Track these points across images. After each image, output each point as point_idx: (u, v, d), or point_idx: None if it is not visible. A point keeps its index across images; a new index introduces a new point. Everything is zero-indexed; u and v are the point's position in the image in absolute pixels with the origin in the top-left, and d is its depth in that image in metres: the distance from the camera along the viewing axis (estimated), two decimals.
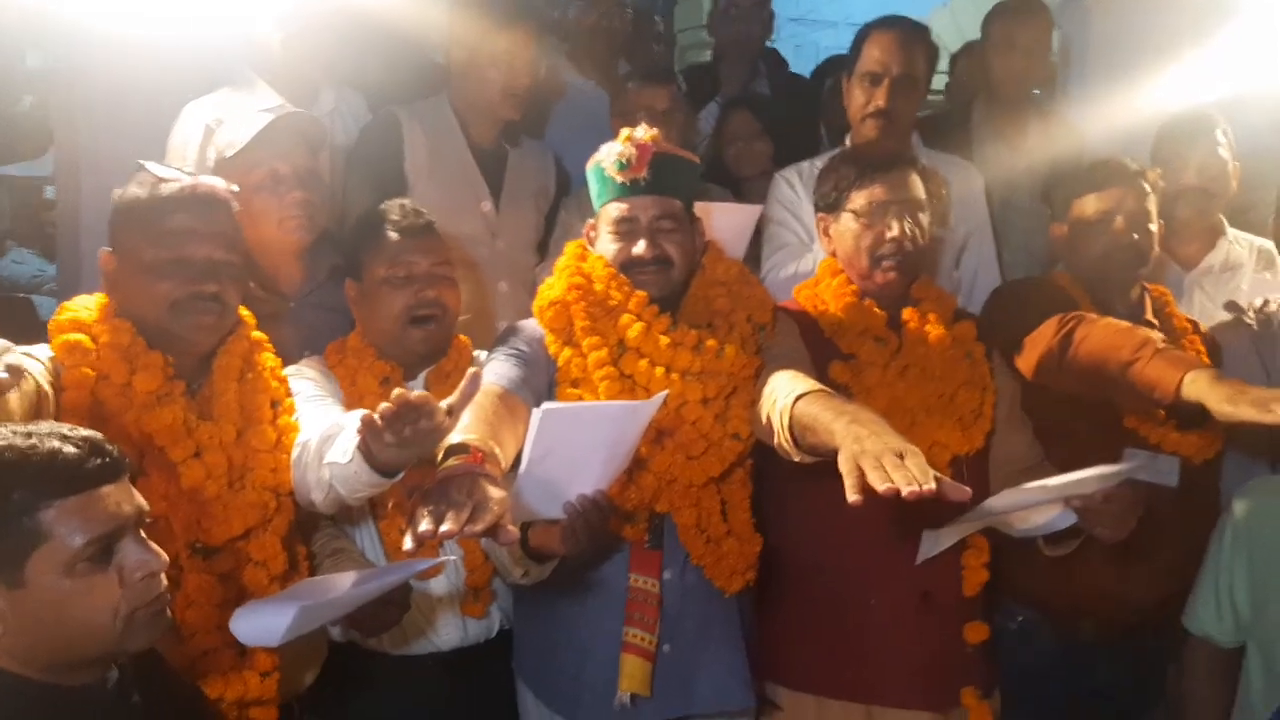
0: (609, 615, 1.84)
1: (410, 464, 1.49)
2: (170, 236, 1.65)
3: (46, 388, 1.52)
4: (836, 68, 3.14)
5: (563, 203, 2.78)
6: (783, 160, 2.85)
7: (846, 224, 2.03)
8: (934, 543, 1.82)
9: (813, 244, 2.52)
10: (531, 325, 1.94)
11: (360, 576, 1.46)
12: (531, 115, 2.86)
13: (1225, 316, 2.36)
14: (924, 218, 2.03)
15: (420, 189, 2.50)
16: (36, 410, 1.45)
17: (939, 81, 3.31)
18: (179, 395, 1.65)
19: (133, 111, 2.63)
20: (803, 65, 4.44)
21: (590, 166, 1.96)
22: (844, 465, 1.41)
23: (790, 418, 1.65)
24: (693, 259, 1.97)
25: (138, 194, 1.69)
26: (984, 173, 2.77)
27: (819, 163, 2.35)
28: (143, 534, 1.24)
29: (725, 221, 2.20)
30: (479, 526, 1.26)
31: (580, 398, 1.82)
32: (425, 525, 1.24)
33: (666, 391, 1.71)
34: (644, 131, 1.90)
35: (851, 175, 2.03)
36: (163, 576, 1.25)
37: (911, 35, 2.55)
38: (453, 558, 1.88)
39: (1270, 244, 2.62)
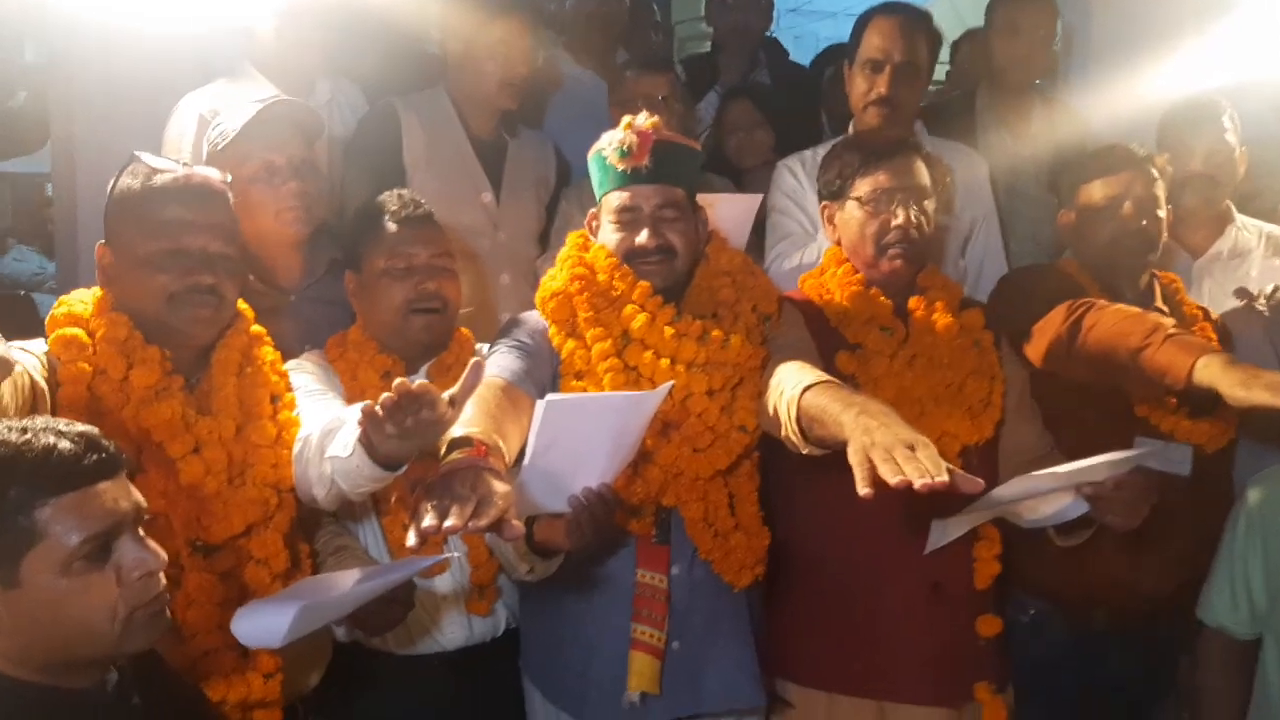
0: (616, 612, 1.82)
1: (412, 457, 1.47)
2: (165, 228, 1.63)
3: (42, 383, 1.49)
4: (837, 56, 3.12)
5: (563, 193, 2.75)
6: (784, 150, 2.82)
7: (851, 212, 2.01)
8: (943, 533, 1.79)
9: (816, 233, 2.50)
10: (534, 317, 1.91)
11: (363, 574, 1.44)
12: (529, 105, 2.84)
13: (1235, 303, 2.34)
14: (929, 205, 2.01)
15: (419, 180, 2.47)
16: (32, 406, 1.42)
17: (940, 71, 3.29)
18: (177, 390, 1.62)
19: (129, 105, 2.61)
20: (802, 56, 4.42)
21: (591, 155, 1.93)
22: (854, 458, 1.39)
23: (798, 409, 1.63)
24: (696, 248, 1.94)
25: (131, 185, 1.66)
26: (989, 161, 2.74)
27: (822, 151, 2.32)
28: (141, 532, 1.22)
29: (726, 211, 2.17)
30: (484, 521, 1.24)
31: (584, 390, 1.80)
32: (429, 520, 1.22)
33: (672, 382, 1.68)
34: (645, 119, 1.87)
35: (855, 162, 2.01)
36: (161, 576, 1.22)
37: (913, 21, 2.52)
38: (456, 554, 1.85)
39: (1279, 230, 2.60)
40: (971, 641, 1.95)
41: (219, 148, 2.05)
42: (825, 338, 1.96)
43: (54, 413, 1.47)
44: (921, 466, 1.32)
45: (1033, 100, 2.97)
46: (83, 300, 1.66)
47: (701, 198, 2.01)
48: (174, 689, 1.36)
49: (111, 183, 1.70)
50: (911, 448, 1.36)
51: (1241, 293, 2.33)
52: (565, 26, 3.30)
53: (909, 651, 1.91)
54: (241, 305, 1.78)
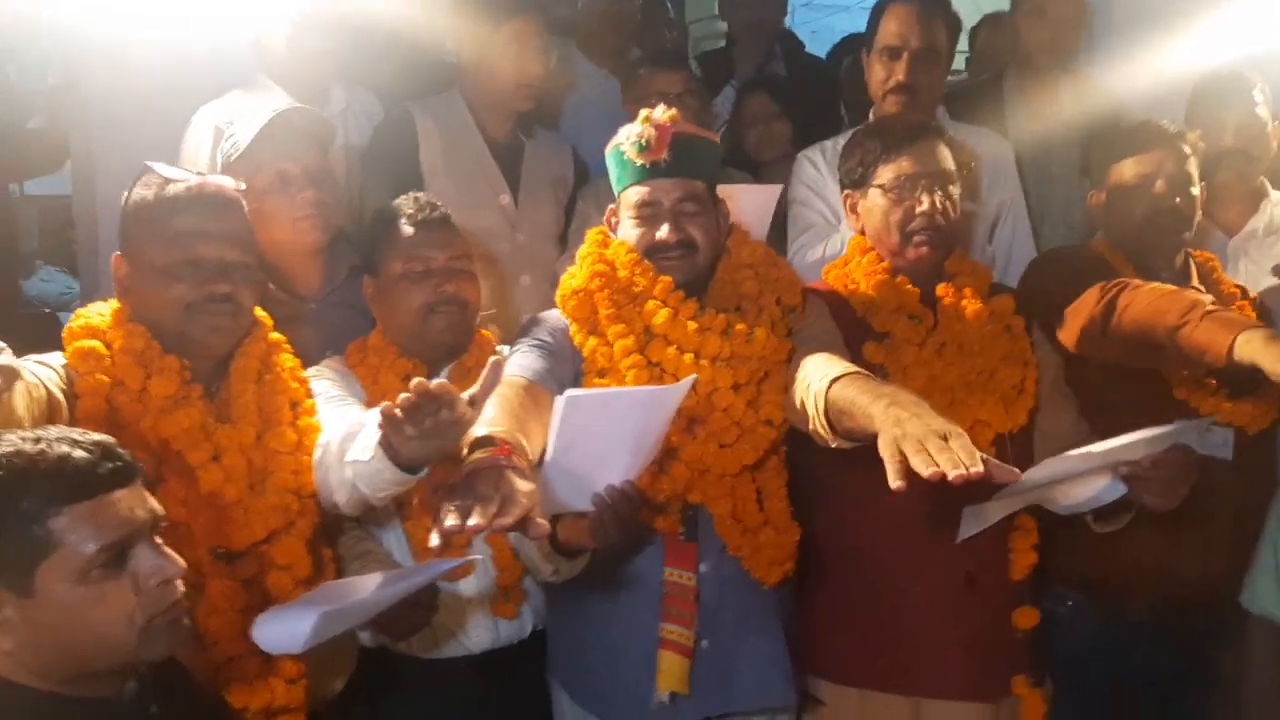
0: (644, 611, 1.79)
1: (434, 459, 1.45)
2: (180, 238, 1.62)
3: (60, 396, 1.49)
4: (854, 47, 3.08)
5: (580, 193, 2.73)
6: (802, 143, 2.79)
7: (874, 200, 1.97)
8: (976, 520, 1.74)
9: (839, 224, 2.46)
10: (555, 316, 1.89)
11: (385, 578, 1.42)
12: (545, 107, 2.83)
13: (1273, 281, 2.27)
14: (954, 190, 1.97)
15: (436, 185, 2.46)
16: (49, 418, 1.42)
17: (959, 60, 3.24)
18: (196, 399, 1.62)
19: (147, 121, 2.61)
20: (818, 51, 4.36)
21: (609, 151, 1.91)
22: (885, 450, 1.36)
23: (825, 402, 1.59)
24: (718, 242, 1.92)
25: (145, 196, 1.66)
26: (1018, 145, 2.69)
27: (842, 141, 2.28)
28: (158, 540, 1.20)
29: (745, 203, 2.14)
30: (508, 520, 1.22)
31: (607, 387, 1.77)
32: (452, 521, 1.20)
33: (695, 376, 1.65)
34: (662, 112, 1.85)
35: (877, 149, 1.97)
36: (179, 583, 1.21)
37: (930, 6, 2.48)
38: (480, 556, 1.83)
39: None
40: (1008, 634, 1.91)
41: (232, 159, 2.06)
42: (851, 328, 1.93)
43: (73, 425, 1.45)
44: (955, 457, 1.29)
45: (1061, 82, 2.91)
46: (100, 312, 1.66)
47: (721, 189, 1.98)
48: (194, 698, 1.35)
49: (126, 194, 1.70)
50: (944, 438, 1.33)
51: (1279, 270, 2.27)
52: (578, 26, 3.28)
53: (943, 645, 1.87)
54: (259, 313, 1.77)
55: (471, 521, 1.20)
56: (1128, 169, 2.09)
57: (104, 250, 2.73)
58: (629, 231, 1.87)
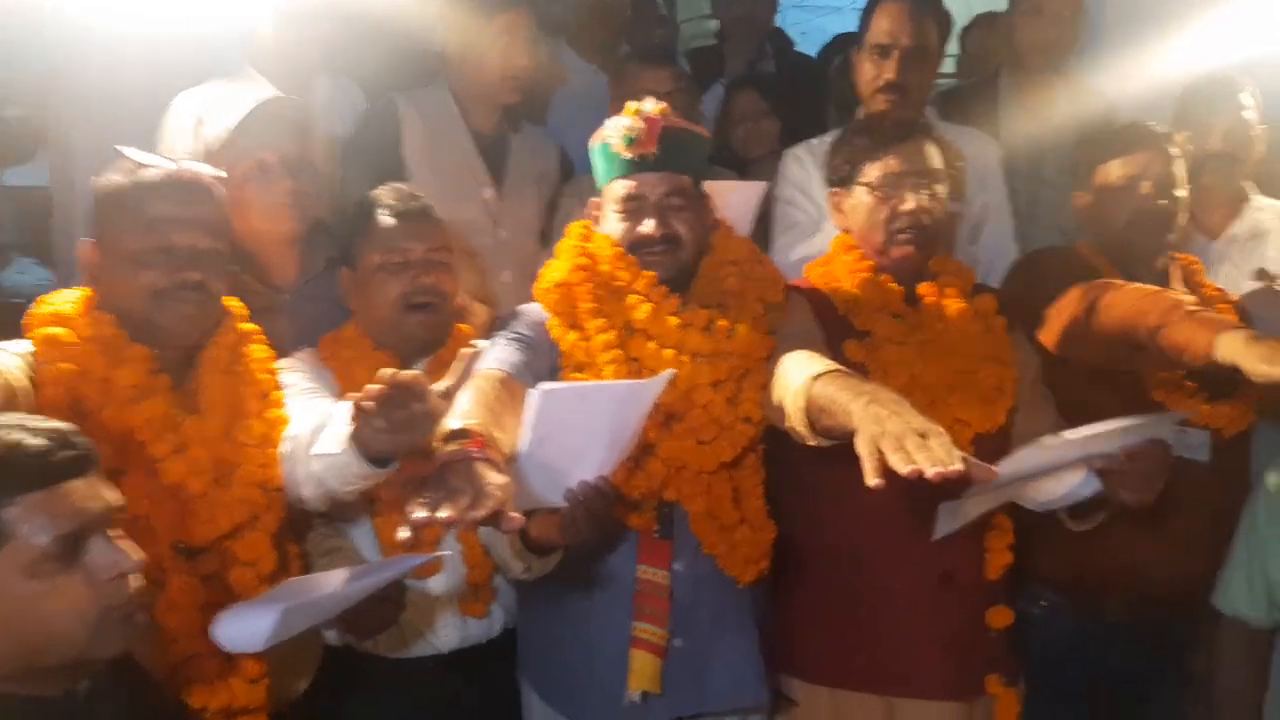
0: (617, 610, 1.77)
1: (404, 452, 1.42)
2: (154, 224, 1.59)
3: (25, 382, 1.46)
4: (844, 46, 3.07)
5: (563, 189, 2.70)
6: (790, 141, 2.77)
7: (860, 198, 1.95)
8: (952, 517, 1.71)
9: (823, 223, 2.44)
10: (534, 309, 1.87)
11: (350, 574, 1.39)
12: (533, 102, 2.80)
13: (1254, 285, 2.28)
14: (941, 189, 1.95)
15: (419, 176, 2.42)
16: (8, 406, 1.38)
17: (949, 64, 3.23)
18: (162, 389, 1.58)
19: (126, 111, 2.57)
20: (808, 51, 4.35)
21: (594, 144, 1.89)
22: (863, 447, 1.34)
23: (805, 399, 1.57)
24: (703, 238, 1.90)
25: (119, 181, 1.63)
26: (1011, 146, 2.68)
27: (829, 140, 2.26)
28: (115, 532, 1.17)
29: (729, 200, 2.12)
30: (480, 513, 1.19)
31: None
32: (421, 513, 1.17)
33: (673, 370, 1.63)
34: (652, 105, 1.83)
35: (864, 147, 1.96)
36: (136, 577, 1.17)
37: (921, 4, 2.46)
38: (449, 552, 1.81)
39: None
40: (983, 633, 1.89)
41: (213, 148, 2.02)
42: (833, 326, 1.91)
43: (36, 414, 1.42)
44: (934, 455, 1.27)
45: (1055, 83, 2.89)
46: (67, 299, 1.63)
47: (706, 186, 1.96)
48: (150, 698, 1.31)
49: (97, 180, 1.67)
50: (924, 436, 1.31)
51: (1261, 274, 2.28)
52: (568, 22, 3.26)
53: (918, 645, 1.86)
54: (232, 302, 1.74)
55: (442, 514, 1.17)
56: (1114, 170, 2.08)
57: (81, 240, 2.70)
58: (613, 225, 1.85)
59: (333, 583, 1.38)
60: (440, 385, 1.32)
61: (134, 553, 1.17)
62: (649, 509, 1.77)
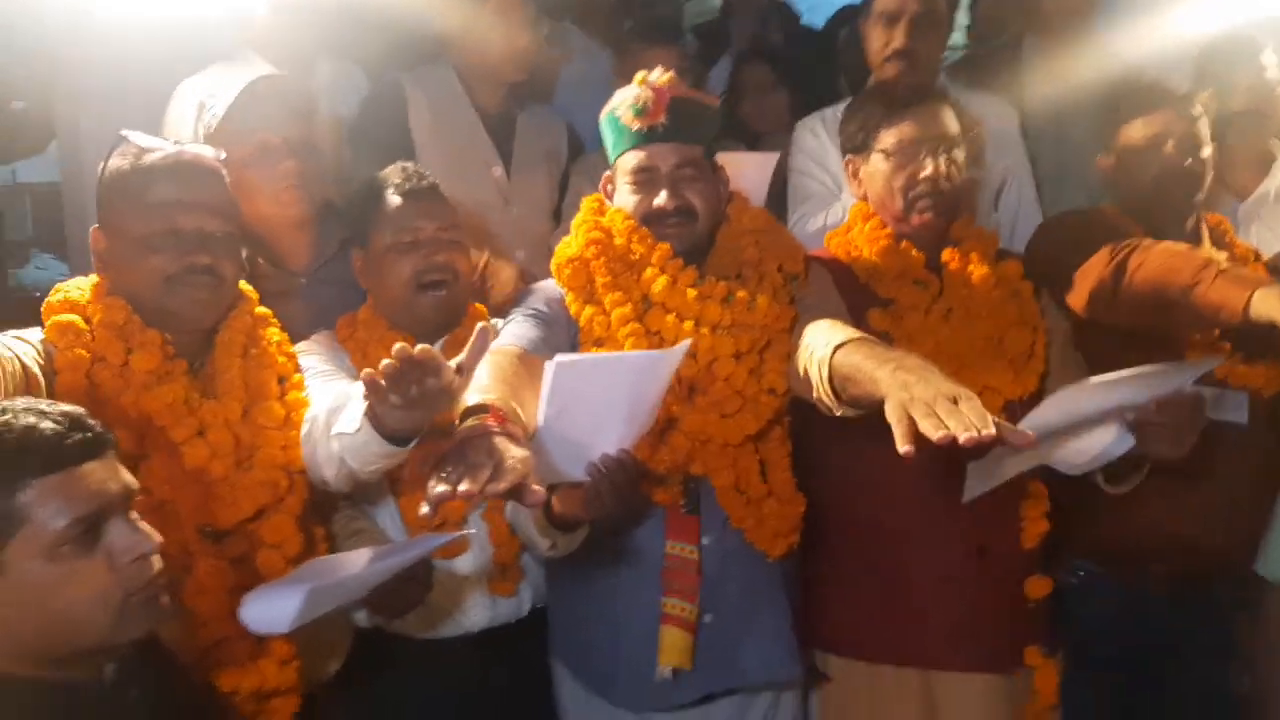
0: (645, 586, 1.75)
1: (422, 429, 1.40)
2: (158, 208, 1.57)
3: (36, 370, 1.44)
4: (852, 16, 3.02)
5: (572, 167, 2.68)
6: (800, 114, 2.73)
7: (876, 165, 1.92)
8: (982, 479, 1.67)
9: (840, 193, 2.41)
10: (550, 285, 1.85)
11: (375, 554, 1.37)
12: (539, 80, 2.77)
13: None
14: (959, 154, 1.92)
15: (427, 156, 2.40)
16: (24, 393, 1.36)
17: (957, 38, 3.16)
18: (179, 374, 1.57)
19: (132, 98, 2.55)
20: (816, 24, 4.30)
21: (604, 116, 1.86)
22: (892, 414, 1.31)
23: (830, 369, 1.55)
24: (718, 209, 1.87)
25: (121, 166, 1.61)
26: (1036, 111, 2.63)
27: (842, 109, 2.22)
28: (134, 515, 1.15)
29: (740, 172, 2.09)
30: (501, 485, 1.17)
31: None
32: (442, 488, 1.15)
33: (690, 340, 1.60)
34: (660, 74, 1.79)
35: (879, 113, 1.93)
36: (157, 559, 1.15)
37: None
38: (473, 530, 1.79)
39: None
40: (1020, 604, 1.87)
41: (212, 129, 2.00)
42: (855, 296, 1.88)
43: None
44: (965, 419, 1.24)
45: (1081, 45, 2.80)
46: (79, 286, 1.62)
47: (717, 158, 1.92)
48: (178, 680, 1.30)
49: (102, 165, 1.65)
50: (954, 400, 1.28)
51: None
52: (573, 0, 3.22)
53: (954, 617, 1.83)
54: (245, 287, 1.73)
55: (462, 488, 1.14)
56: (1137, 130, 2.03)
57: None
58: (625, 198, 1.82)
59: (358, 563, 1.36)
60: (455, 361, 1.29)
61: (152, 534, 1.16)
62: (675, 484, 1.75)
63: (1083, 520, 1.94)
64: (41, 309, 1.59)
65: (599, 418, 1.45)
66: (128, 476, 1.16)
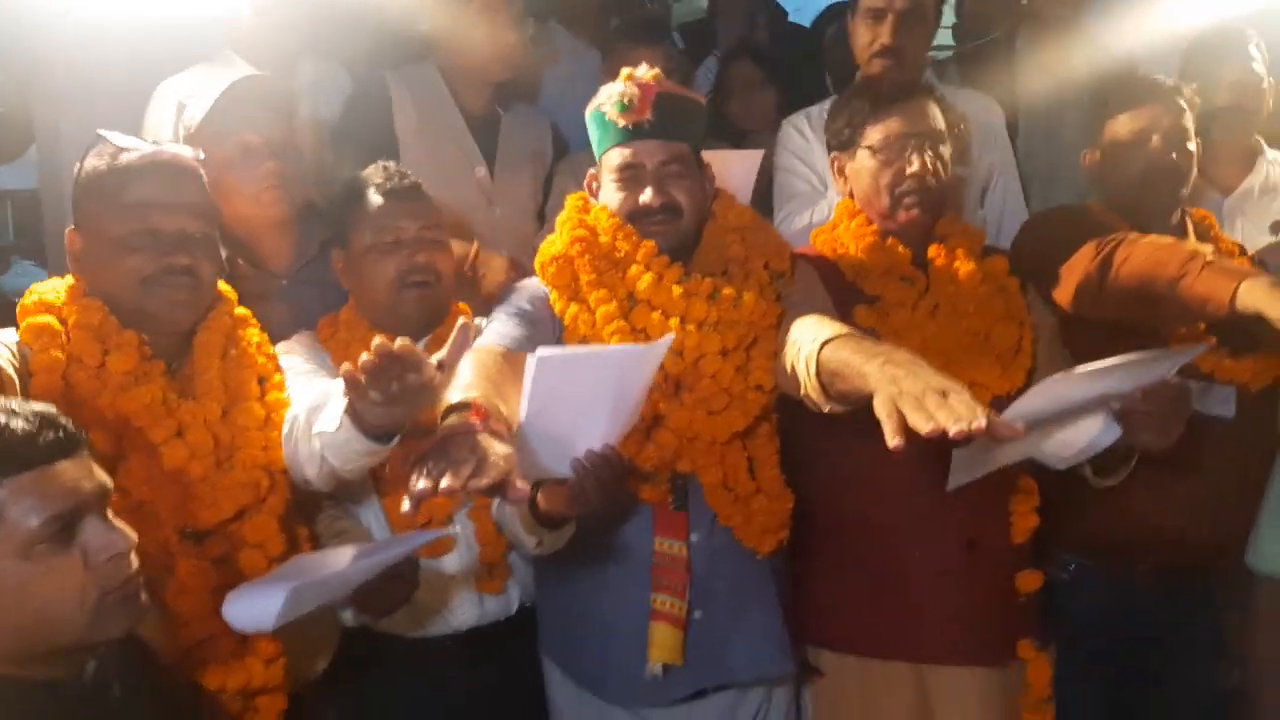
0: (634, 583, 1.74)
1: (403, 426, 1.38)
2: (135, 208, 1.56)
3: (10, 372, 1.43)
4: (839, 14, 3.01)
5: (557, 167, 2.66)
6: (787, 113, 2.72)
7: (863, 161, 1.92)
8: (967, 468, 1.65)
9: (826, 190, 2.41)
10: (534, 283, 1.83)
11: (359, 551, 1.36)
12: (524, 81, 2.76)
13: (1270, 239, 2.23)
14: (945, 150, 1.92)
15: (411, 155, 2.39)
16: None
17: (944, 37, 3.16)
18: (157, 375, 1.55)
19: (111, 102, 2.53)
20: (803, 23, 4.30)
21: (589, 112, 1.85)
22: (881, 409, 1.30)
23: (817, 364, 1.54)
24: (704, 206, 1.86)
25: (97, 165, 1.60)
26: (1029, 106, 2.63)
27: (828, 106, 2.22)
28: (109, 513, 1.14)
29: (725, 170, 2.08)
30: (483, 481, 1.16)
31: None
32: (423, 484, 1.13)
33: (673, 334, 1.59)
34: (646, 70, 1.79)
35: (866, 109, 1.92)
36: (134, 558, 1.14)
37: None
38: (458, 528, 1.78)
39: None
40: (1011, 598, 1.87)
41: (192, 129, 1.98)
42: (842, 293, 1.88)
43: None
44: (956, 412, 1.23)
45: (1074, 39, 2.79)
46: (54, 288, 1.60)
47: (703, 155, 1.92)
48: (161, 678, 1.29)
49: (78, 165, 1.64)
50: (943, 394, 1.26)
51: (1277, 226, 2.23)
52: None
53: (946, 611, 1.83)
54: (224, 287, 1.71)
55: (444, 484, 1.13)
56: (1122, 125, 2.03)
57: None
58: (611, 195, 1.81)
59: (341, 560, 1.35)
60: (436, 357, 1.28)
61: (128, 532, 1.15)
62: (663, 481, 1.74)
63: (1071, 514, 1.94)
64: (16, 310, 1.58)
65: (583, 413, 1.44)
66: (102, 475, 1.15)
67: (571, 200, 1.88)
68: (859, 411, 1.41)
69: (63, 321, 1.54)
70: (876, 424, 1.29)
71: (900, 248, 1.90)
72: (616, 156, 1.79)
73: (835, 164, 1.99)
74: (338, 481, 1.61)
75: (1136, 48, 2.65)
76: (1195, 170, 2.05)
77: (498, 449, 1.21)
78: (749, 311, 1.75)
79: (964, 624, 1.83)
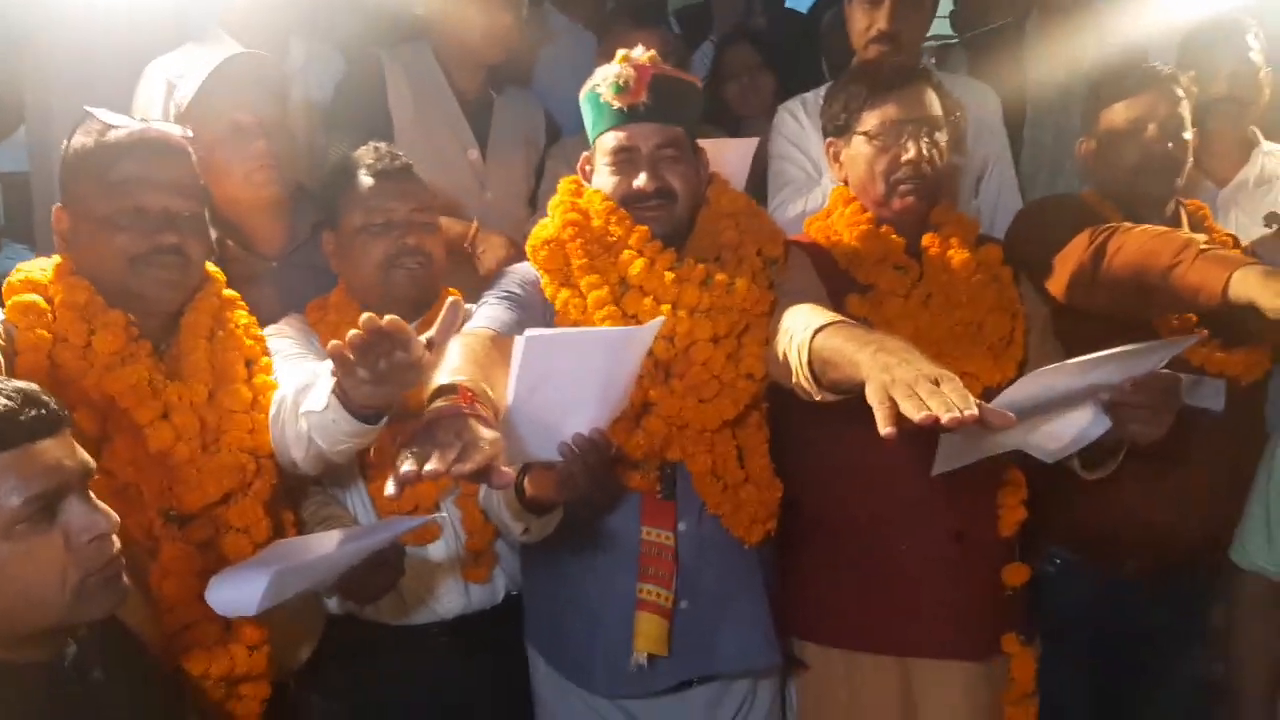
0: (621, 572, 1.72)
1: (391, 406, 1.37)
2: (122, 185, 1.54)
3: None
4: (834, 1, 2.99)
5: (549, 152, 2.64)
6: (785, 98, 2.70)
7: (858, 147, 1.90)
8: (954, 454, 1.63)
9: (821, 178, 2.39)
10: (524, 268, 1.82)
11: (344, 536, 1.35)
12: (518, 64, 2.73)
13: (1264, 232, 2.21)
14: (941, 137, 1.90)
15: (405, 135, 2.37)
16: None
17: (940, 26, 3.13)
18: (144, 355, 1.54)
19: (103, 82, 2.50)
20: (799, 8, 4.28)
21: (584, 94, 1.83)
22: (873, 397, 1.28)
23: (809, 353, 1.52)
24: (698, 191, 1.84)
25: (85, 143, 1.58)
26: (1038, 93, 2.60)
27: (824, 92, 2.20)
28: (91, 494, 1.12)
29: (720, 157, 2.06)
30: (469, 466, 1.14)
31: None
32: (408, 467, 1.12)
33: (663, 317, 1.58)
34: (642, 52, 1.77)
35: (862, 94, 1.90)
36: (115, 540, 1.13)
37: None
38: (444, 514, 1.77)
39: None
40: (998, 592, 1.86)
41: (182, 108, 1.96)
42: (835, 281, 1.86)
43: None
44: (948, 400, 1.21)
45: (1085, 24, 2.73)
46: (40, 267, 1.59)
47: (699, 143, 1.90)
48: (140, 661, 1.28)
49: (66, 143, 1.62)
50: (935, 382, 1.25)
51: (1272, 218, 2.21)
52: None
53: (932, 604, 1.82)
54: (212, 268, 1.70)
55: (429, 467, 1.12)
56: (1118, 113, 2.02)
57: None
58: (604, 179, 1.80)
59: (326, 545, 1.34)
60: (424, 336, 1.27)
61: (109, 513, 1.13)
62: (651, 469, 1.73)
63: (1059, 507, 1.93)
64: (1, 289, 1.56)
65: (571, 396, 1.42)
66: (85, 455, 1.13)
67: (564, 183, 1.87)
68: (849, 401, 1.40)
69: (49, 300, 1.52)
70: (866, 413, 1.28)
71: (894, 236, 1.89)
72: (611, 139, 1.78)
73: (830, 150, 1.98)
74: (325, 465, 1.59)
75: (1141, 36, 2.62)
76: (1190, 160, 2.04)
77: (484, 434, 1.19)
78: (741, 298, 1.74)
79: (951, 618, 1.82)
